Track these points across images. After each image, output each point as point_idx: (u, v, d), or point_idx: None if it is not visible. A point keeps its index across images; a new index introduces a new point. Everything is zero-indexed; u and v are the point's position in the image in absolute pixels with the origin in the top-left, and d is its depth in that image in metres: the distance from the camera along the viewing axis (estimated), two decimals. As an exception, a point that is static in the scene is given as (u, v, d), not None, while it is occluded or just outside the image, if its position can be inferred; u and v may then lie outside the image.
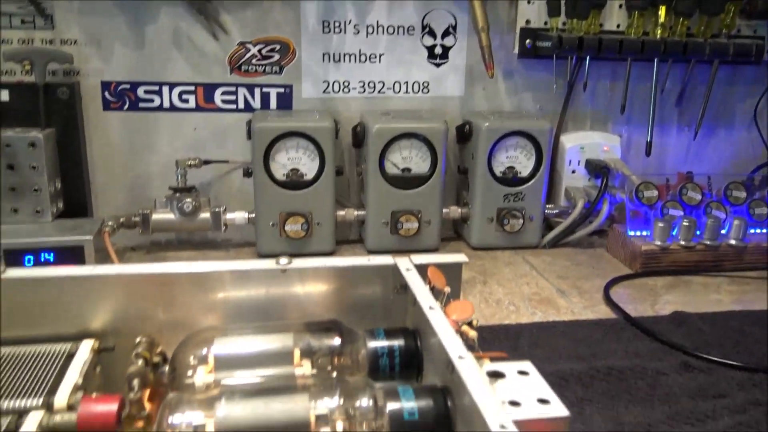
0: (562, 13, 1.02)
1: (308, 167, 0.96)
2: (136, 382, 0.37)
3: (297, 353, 0.43)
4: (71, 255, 0.87)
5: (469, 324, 0.42)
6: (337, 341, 0.44)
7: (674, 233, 0.97)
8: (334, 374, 0.43)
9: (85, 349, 0.44)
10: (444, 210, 1.02)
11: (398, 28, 1.03)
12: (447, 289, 0.44)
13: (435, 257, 0.48)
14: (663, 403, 0.63)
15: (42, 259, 0.87)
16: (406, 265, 0.47)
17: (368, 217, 1.00)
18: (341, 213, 1.00)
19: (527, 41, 1.04)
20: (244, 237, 1.04)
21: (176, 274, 0.46)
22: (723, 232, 0.98)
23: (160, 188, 1.01)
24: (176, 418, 0.35)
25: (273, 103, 1.03)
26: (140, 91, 0.99)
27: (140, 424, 0.36)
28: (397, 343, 0.44)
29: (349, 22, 1.01)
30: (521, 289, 0.90)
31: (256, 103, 1.02)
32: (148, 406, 0.38)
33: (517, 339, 0.75)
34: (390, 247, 0.98)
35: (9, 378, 0.40)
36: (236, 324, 0.46)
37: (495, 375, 0.35)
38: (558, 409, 0.31)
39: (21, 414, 0.36)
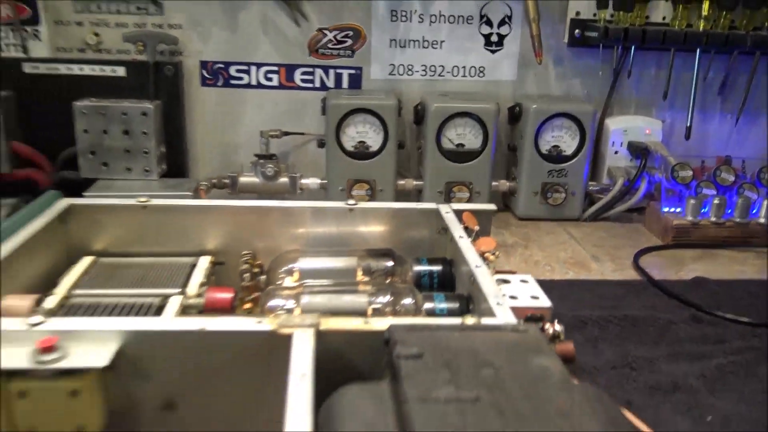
0: (609, 5, 1.11)
1: (374, 140, 1.10)
2: (246, 275, 0.52)
3: (359, 272, 0.57)
4: (173, 207, 1.04)
5: (492, 254, 0.54)
6: (390, 264, 0.57)
7: (705, 210, 1.06)
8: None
9: (204, 261, 0.59)
10: (493, 183, 1.14)
11: (458, 17, 1.15)
12: (476, 228, 0.57)
13: (469, 205, 0.61)
14: (668, 345, 0.73)
15: (150, 210, 1.04)
16: (446, 209, 0.60)
17: (425, 187, 1.12)
18: (401, 182, 1.13)
19: (576, 31, 1.14)
20: (312, 199, 1.19)
21: (270, 208, 0.60)
22: (753, 212, 1.06)
23: (246, 155, 1.16)
24: (273, 303, 0.49)
25: (345, 83, 1.16)
26: (232, 70, 1.15)
27: (248, 305, 0.50)
28: (436, 268, 0.57)
29: (415, 12, 1.14)
30: (558, 254, 1.01)
31: (330, 83, 1.16)
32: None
33: (548, 292, 0.86)
34: (443, 213, 1.11)
35: (154, 276, 0.56)
36: (313, 249, 0.60)
37: (503, 281, 0.47)
38: (544, 302, 0.44)
39: (165, 297, 0.51)
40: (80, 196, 1.04)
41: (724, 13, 1.11)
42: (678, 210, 1.08)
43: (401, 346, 0.34)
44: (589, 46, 1.14)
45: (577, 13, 1.13)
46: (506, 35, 1.16)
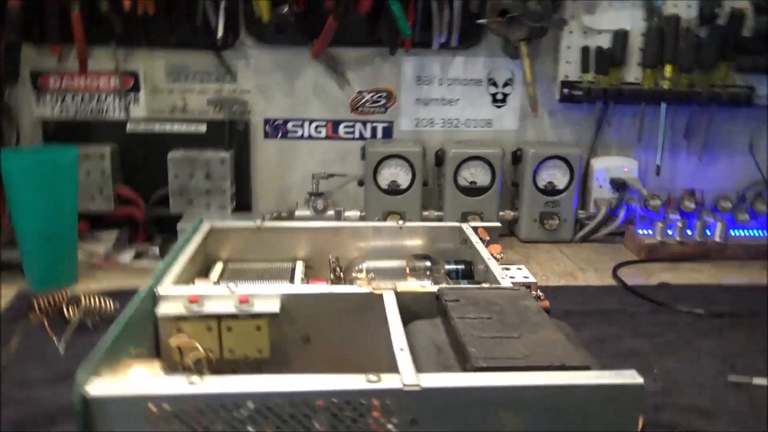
0: (591, 70, 1.39)
1: (403, 179, 1.37)
2: (337, 268, 0.78)
3: (407, 270, 0.83)
4: (246, 234, 1.31)
5: (499, 254, 0.80)
6: (428, 263, 0.84)
7: (671, 232, 1.31)
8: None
9: (300, 265, 0.86)
10: (500, 213, 1.40)
11: (470, 80, 1.43)
12: (488, 238, 0.83)
13: (482, 223, 0.87)
14: (632, 328, 0.99)
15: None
16: (466, 226, 0.87)
17: (445, 216, 1.39)
18: (425, 213, 1.40)
19: (565, 90, 1.41)
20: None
21: (342, 227, 0.87)
22: (709, 233, 1.32)
23: (297, 194, 1.43)
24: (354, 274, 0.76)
25: (379, 134, 1.44)
26: (289, 125, 1.43)
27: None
28: (460, 266, 0.83)
29: (435, 77, 1.42)
30: (552, 268, 1.27)
31: (368, 134, 1.44)
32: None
33: (542, 293, 1.12)
34: (460, 237, 1.37)
35: (269, 274, 0.82)
36: (374, 254, 0.87)
37: (506, 269, 0.74)
38: (531, 279, 0.70)
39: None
40: (173, 226, 1.32)
41: (683, 74, 1.38)
42: (650, 232, 1.34)
43: (446, 296, 0.61)
44: (576, 101, 1.41)
45: (566, 76, 1.41)
46: (509, 94, 1.44)
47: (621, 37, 1.37)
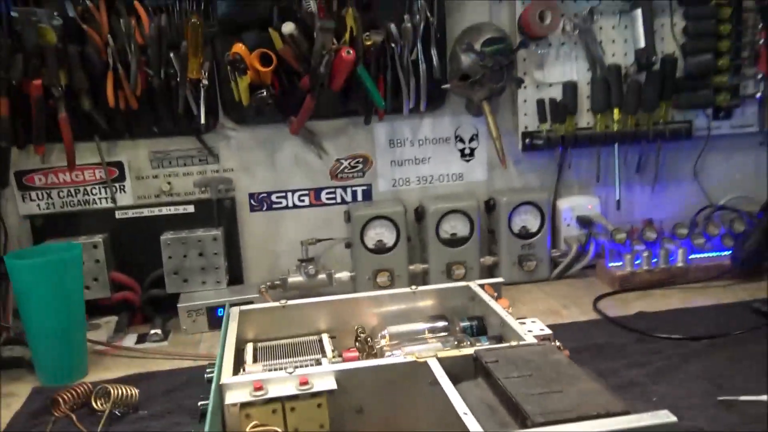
0: (548, 120, 1.51)
1: (388, 238, 1.45)
2: (362, 335, 0.85)
3: (426, 332, 0.91)
4: (246, 307, 1.36)
5: (509, 308, 0.89)
6: (446, 323, 0.91)
7: (639, 262, 1.43)
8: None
9: (326, 337, 0.92)
10: (481, 259, 1.50)
11: (439, 138, 1.53)
12: (495, 294, 0.91)
13: (487, 280, 0.96)
14: (623, 359, 1.08)
15: (228, 311, 1.35)
16: (474, 285, 0.95)
17: (431, 268, 1.47)
18: (411, 267, 1.48)
19: (527, 140, 1.53)
20: (344, 289, 1.52)
21: (360, 298, 0.94)
22: (672, 258, 1.44)
23: (286, 260, 1.49)
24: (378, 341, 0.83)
25: (359, 197, 1.52)
26: (273, 197, 1.49)
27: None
28: (474, 322, 0.91)
29: (407, 139, 1.52)
30: (538, 307, 1.36)
31: (348, 197, 1.52)
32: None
33: (538, 334, 1.21)
34: (448, 287, 1.45)
35: (300, 349, 0.88)
36: (392, 319, 0.94)
37: (521, 323, 0.82)
38: (547, 331, 0.78)
39: (318, 360, 0.84)
40: (169, 306, 1.36)
41: (630, 116, 1.52)
42: (620, 264, 1.45)
43: (485, 357, 0.68)
44: (537, 149, 1.53)
45: (526, 127, 1.53)
46: (476, 148, 1.55)
47: (570, 88, 1.51)
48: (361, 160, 1.51)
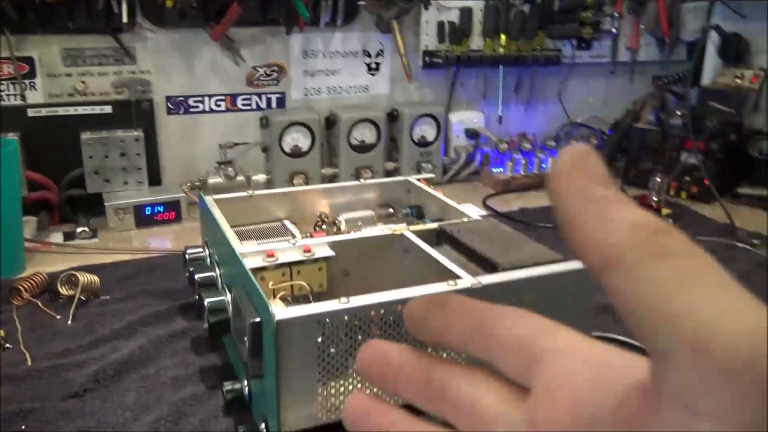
0: (446, 41, 1.68)
1: (304, 143, 1.56)
2: (326, 219, 0.99)
3: (376, 218, 1.07)
4: (173, 207, 1.42)
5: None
6: (392, 210, 1.08)
7: (518, 168, 1.69)
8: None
9: (288, 223, 1.05)
10: (385, 164, 1.67)
11: (348, 52, 1.65)
12: (430, 186, 1.09)
13: (423, 175, 1.13)
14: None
15: (155, 210, 1.41)
16: (414, 179, 1.12)
17: (341, 171, 1.62)
18: (323, 171, 1.62)
19: (427, 58, 1.70)
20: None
21: (316, 189, 1.07)
22: (543, 167, 1.71)
23: (204, 164, 1.56)
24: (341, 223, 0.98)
25: (274, 104, 1.61)
26: (190, 101, 1.54)
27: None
28: (414, 209, 1.08)
29: (320, 51, 1.62)
30: (438, 205, 1.57)
31: (263, 104, 1.60)
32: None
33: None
34: (357, 189, 1.61)
35: (269, 233, 1.00)
36: (344, 208, 1.08)
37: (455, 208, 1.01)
38: (483, 212, 0.98)
39: (294, 236, 0.97)
40: (88, 206, 1.39)
41: (513, 42, 1.73)
42: (501, 170, 1.70)
43: (449, 228, 0.86)
44: (435, 67, 1.70)
45: (426, 46, 1.69)
46: (381, 63, 1.69)
47: (467, 12, 1.68)
48: (276, 68, 1.59)
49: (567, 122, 1.91)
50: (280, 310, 0.64)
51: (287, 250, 0.82)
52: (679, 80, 1.85)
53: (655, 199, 1.44)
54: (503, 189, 1.67)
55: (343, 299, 0.66)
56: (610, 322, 0.84)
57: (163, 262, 1.20)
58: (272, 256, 0.80)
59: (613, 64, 1.93)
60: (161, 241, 1.35)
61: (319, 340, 0.65)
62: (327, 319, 0.65)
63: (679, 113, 1.66)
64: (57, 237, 1.34)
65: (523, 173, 1.69)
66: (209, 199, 0.99)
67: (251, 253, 0.80)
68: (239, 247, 0.81)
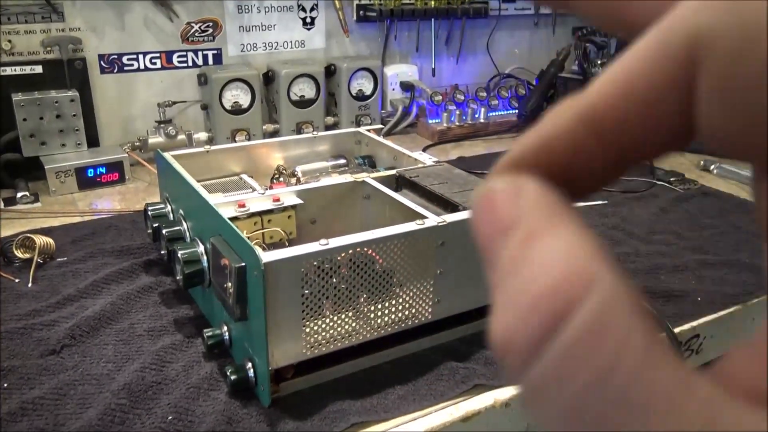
0: (379, -6, 1.71)
1: (244, 100, 1.57)
2: (285, 171, 1.02)
3: (330, 169, 1.11)
4: (116, 167, 1.40)
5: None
6: (344, 161, 1.12)
7: (453, 119, 1.75)
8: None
9: (246, 176, 1.07)
10: (324, 118, 1.69)
11: (283, 7, 1.65)
12: (380, 137, 1.14)
13: (372, 126, 1.17)
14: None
15: (98, 172, 1.39)
16: (364, 130, 1.16)
17: (282, 127, 1.64)
18: (264, 127, 1.63)
19: (361, 12, 1.72)
20: (199, 150, 1.61)
21: (270, 143, 1.10)
22: (476, 116, 1.79)
23: (142, 123, 1.54)
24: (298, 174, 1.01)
25: (210, 61, 1.60)
26: (124, 59, 1.50)
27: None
28: (367, 159, 1.13)
29: (254, 6, 1.61)
30: (379, 157, 1.62)
31: (200, 61, 1.58)
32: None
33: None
34: (299, 144, 1.63)
35: (232, 187, 1.02)
36: (299, 161, 1.12)
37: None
38: (436, 159, 1.04)
39: (254, 190, 0.99)
40: (24, 171, 1.35)
41: (444, -5, 1.78)
42: (437, 121, 1.76)
43: (407, 174, 0.91)
44: (370, 21, 1.73)
45: (360, 0, 1.71)
46: (315, 17, 1.69)
47: (398, -34, 1.71)
48: (211, 24, 1.57)
49: (496, 74, 1.98)
50: (265, 254, 0.67)
51: (257, 200, 0.85)
52: (599, 31, 1.96)
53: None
54: (440, 139, 1.73)
55: (323, 241, 0.70)
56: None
57: (115, 222, 1.20)
58: (243, 206, 0.83)
59: (537, 15, 2.01)
60: (107, 202, 1.33)
61: (302, 280, 0.69)
62: (313, 261, 0.69)
63: (599, 62, 1.77)
64: (-3, 203, 1.30)
65: (458, 123, 1.75)
66: (169, 156, 1.00)
67: (223, 204, 0.82)
68: (212, 199, 0.83)
